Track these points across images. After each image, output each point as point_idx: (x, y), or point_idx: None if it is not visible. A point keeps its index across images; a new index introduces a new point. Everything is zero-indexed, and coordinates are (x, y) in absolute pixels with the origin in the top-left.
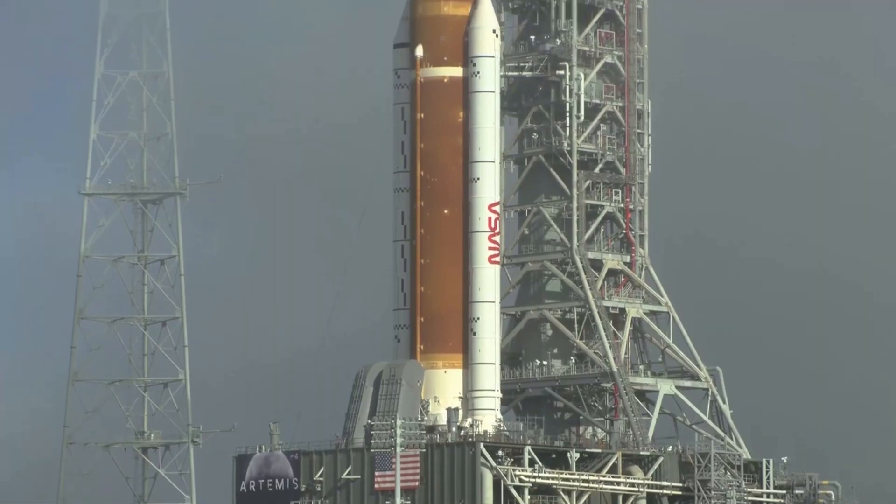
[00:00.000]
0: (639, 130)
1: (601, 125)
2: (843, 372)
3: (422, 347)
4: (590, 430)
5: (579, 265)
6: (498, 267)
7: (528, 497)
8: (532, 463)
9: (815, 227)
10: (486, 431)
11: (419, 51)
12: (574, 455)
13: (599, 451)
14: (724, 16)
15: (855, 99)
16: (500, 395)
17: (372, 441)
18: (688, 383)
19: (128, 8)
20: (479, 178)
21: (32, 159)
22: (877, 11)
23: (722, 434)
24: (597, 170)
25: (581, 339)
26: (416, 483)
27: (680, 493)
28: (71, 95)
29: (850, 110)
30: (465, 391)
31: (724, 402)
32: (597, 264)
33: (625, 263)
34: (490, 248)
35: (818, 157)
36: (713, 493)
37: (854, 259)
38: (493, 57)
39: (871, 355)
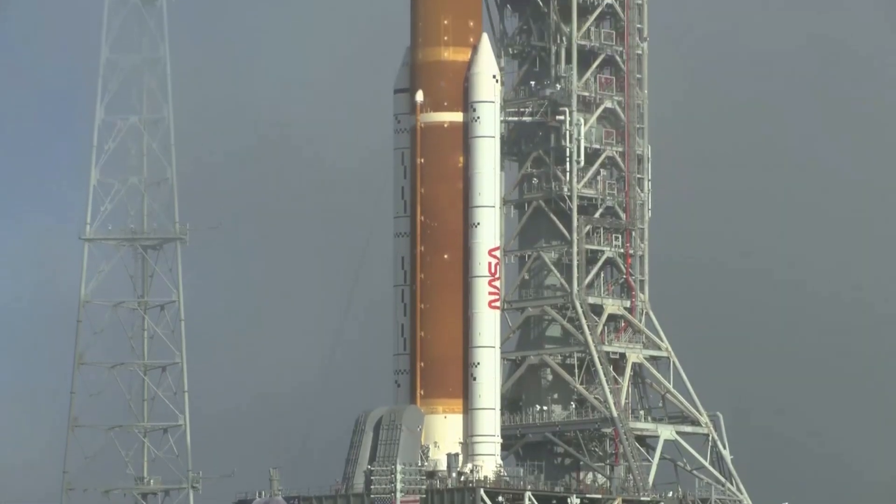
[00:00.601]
0: (639, 175)
1: (601, 170)
2: (847, 414)
3: (422, 392)
4: (590, 475)
5: (579, 310)
6: (498, 312)
7: None
8: None
9: (820, 269)
10: (486, 477)
11: (419, 96)
12: (574, 501)
13: (600, 496)
14: (724, 59)
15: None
16: (500, 440)
17: (372, 487)
18: (688, 428)
19: (128, 54)
20: (479, 223)
21: (33, 205)
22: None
23: (722, 479)
24: (597, 215)
25: (581, 384)
26: None
27: None
28: (71, 141)
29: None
30: (465, 436)
31: (724, 448)
32: (597, 309)
33: (625, 308)
34: (490, 293)
35: (823, 201)
36: None
37: (861, 300)
38: (493, 102)
39: (875, 395)
